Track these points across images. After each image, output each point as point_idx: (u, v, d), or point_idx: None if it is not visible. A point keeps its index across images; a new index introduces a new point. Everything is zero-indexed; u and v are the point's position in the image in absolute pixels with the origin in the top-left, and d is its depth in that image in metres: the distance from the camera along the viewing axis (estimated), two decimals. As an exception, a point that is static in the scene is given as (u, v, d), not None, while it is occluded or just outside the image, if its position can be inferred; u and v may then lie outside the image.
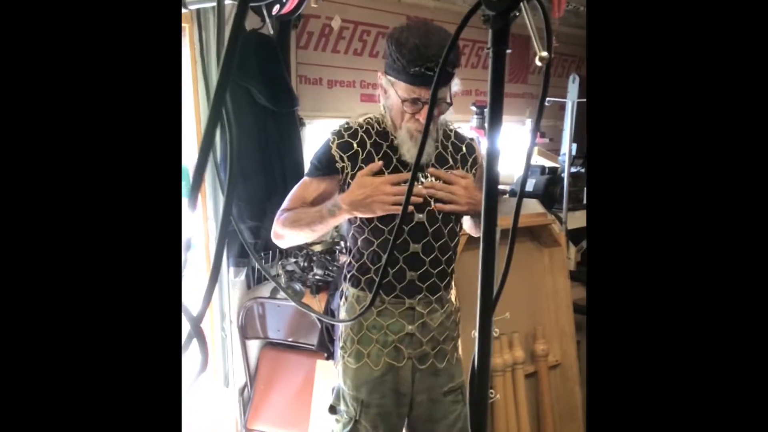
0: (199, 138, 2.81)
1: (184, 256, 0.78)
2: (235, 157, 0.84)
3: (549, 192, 3.55)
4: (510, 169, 3.57)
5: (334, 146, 1.85)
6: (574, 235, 3.65)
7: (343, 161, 1.84)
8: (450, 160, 1.90)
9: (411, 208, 1.81)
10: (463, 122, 4.05)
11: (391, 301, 1.87)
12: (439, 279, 1.88)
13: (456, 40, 0.91)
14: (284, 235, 1.90)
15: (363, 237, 1.86)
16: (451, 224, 1.88)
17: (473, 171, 1.93)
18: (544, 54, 0.83)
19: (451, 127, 1.96)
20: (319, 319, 2.79)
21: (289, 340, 3.03)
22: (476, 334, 0.88)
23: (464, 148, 1.93)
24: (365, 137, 1.86)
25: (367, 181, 1.77)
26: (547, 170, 3.71)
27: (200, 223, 2.95)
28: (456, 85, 1.80)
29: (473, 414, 0.90)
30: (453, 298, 1.97)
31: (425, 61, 1.67)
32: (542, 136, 4.33)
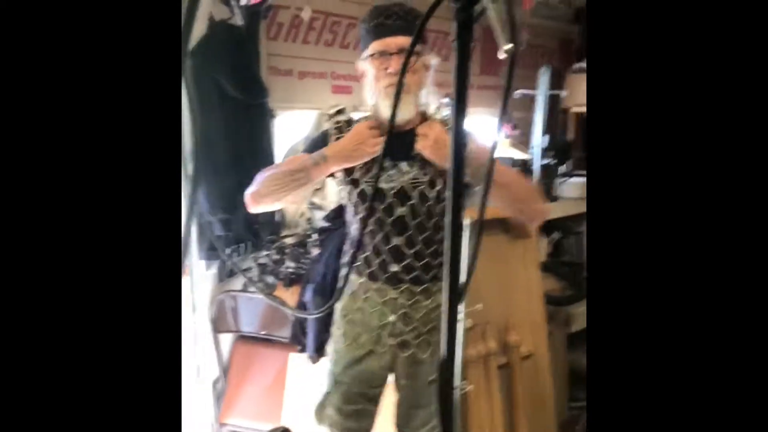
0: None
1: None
2: (200, 148, 0.84)
3: (520, 183, 3.57)
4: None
5: (331, 123, 1.91)
6: (545, 227, 3.67)
7: (339, 133, 1.87)
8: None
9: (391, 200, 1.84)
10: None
11: (376, 289, 1.90)
12: (423, 271, 1.89)
13: (423, 27, 0.90)
14: (259, 191, 1.89)
15: (354, 227, 1.93)
16: (435, 218, 1.87)
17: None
18: (508, 47, 0.82)
19: (436, 118, 1.93)
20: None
21: (262, 333, 3.01)
22: (442, 324, 0.89)
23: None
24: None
25: (364, 133, 1.79)
26: (518, 162, 3.72)
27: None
28: (433, 59, 1.86)
29: (441, 401, 0.90)
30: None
31: (383, 11, 1.77)
32: (515, 128, 4.34)
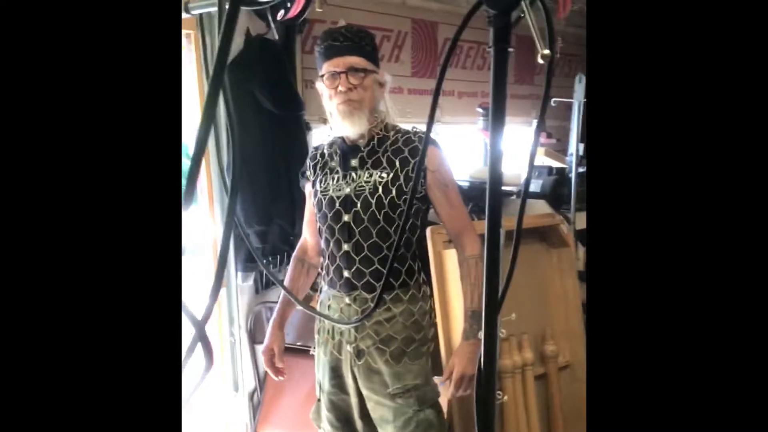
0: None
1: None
2: (238, 161, 0.84)
3: (556, 192, 3.54)
4: (517, 170, 3.56)
5: (309, 157, 2.10)
6: (583, 236, 3.63)
7: (309, 169, 2.08)
8: (384, 162, 1.91)
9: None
10: (469, 124, 4.05)
11: (334, 296, 1.99)
12: (374, 279, 1.92)
13: (457, 39, 0.90)
14: None
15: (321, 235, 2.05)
16: (380, 225, 1.89)
17: (422, 177, 1.91)
18: (546, 51, 0.82)
19: (402, 129, 1.97)
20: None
21: (298, 344, 3.02)
22: (482, 336, 0.88)
23: (407, 152, 1.92)
24: (325, 148, 2.05)
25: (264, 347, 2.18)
26: (554, 171, 3.69)
27: (209, 227, 2.95)
28: (386, 77, 1.95)
29: (480, 415, 0.89)
30: (404, 300, 1.96)
31: (332, 33, 1.86)
32: (549, 136, 4.32)
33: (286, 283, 2.16)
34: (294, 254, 2.18)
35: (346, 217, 1.92)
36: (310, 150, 2.12)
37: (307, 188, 2.10)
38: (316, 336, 2.12)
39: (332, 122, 1.94)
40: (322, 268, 2.07)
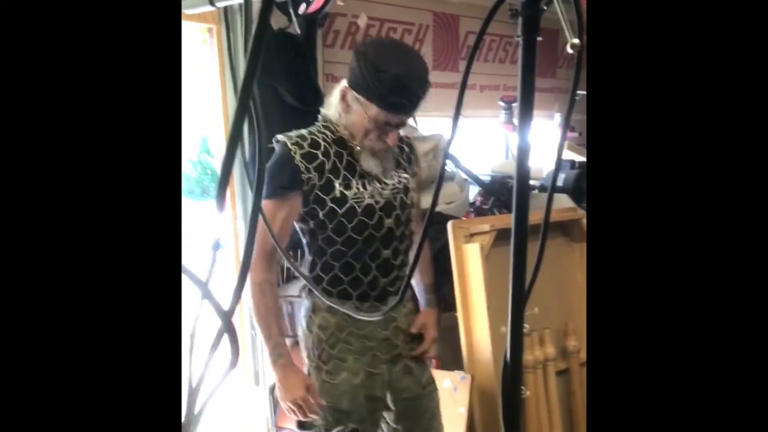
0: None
1: (213, 256, 0.78)
2: (263, 156, 0.84)
3: (579, 187, 3.50)
4: (539, 164, 3.53)
5: (297, 156, 1.75)
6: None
7: (309, 172, 1.75)
8: (402, 161, 1.93)
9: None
10: (491, 117, 4.03)
11: (367, 309, 1.85)
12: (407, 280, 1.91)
13: (484, 31, 0.89)
14: (251, 298, 1.85)
15: (334, 248, 1.81)
16: (411, 224, 1.93)
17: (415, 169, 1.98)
18: (576, 41, 0.81)
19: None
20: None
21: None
22: (507, 330, 0.87)
23: (406, 148, 1.96)
24: (327, 147, 1.78)
25: (300, 393, 1.79)
26: (577, 164, 3.66)
27: (229, 223, 2.96)
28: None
29: (506, 410, 0.89)
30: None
31: (407, 93, 1.65)
32: (572, 130, 4.28)
33: (269, 312, 1.85)
34: (267, 278, 1.84)
35: (388, 222, 1.81)
36: (292, 149, 1.76)
37: (295, 198, 1.77)
38: (333, 363, 1.87)
39: (360, 149, 1.78)
40: (330, 285, 1.83)
